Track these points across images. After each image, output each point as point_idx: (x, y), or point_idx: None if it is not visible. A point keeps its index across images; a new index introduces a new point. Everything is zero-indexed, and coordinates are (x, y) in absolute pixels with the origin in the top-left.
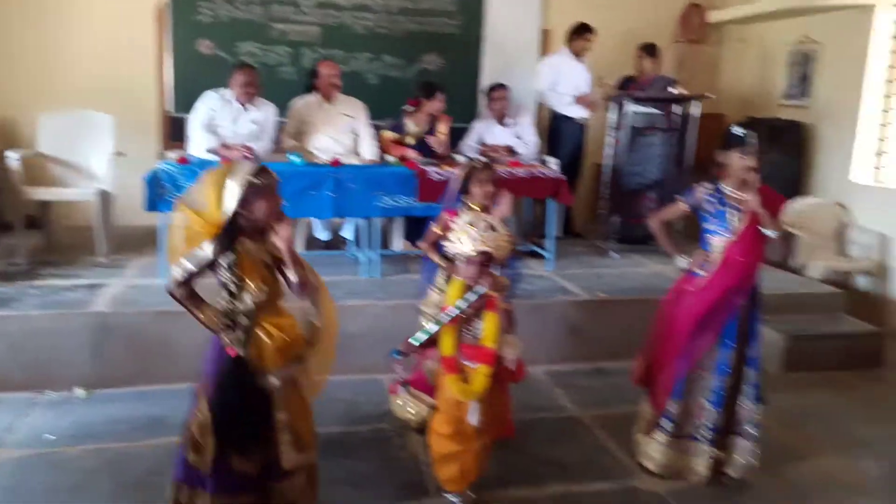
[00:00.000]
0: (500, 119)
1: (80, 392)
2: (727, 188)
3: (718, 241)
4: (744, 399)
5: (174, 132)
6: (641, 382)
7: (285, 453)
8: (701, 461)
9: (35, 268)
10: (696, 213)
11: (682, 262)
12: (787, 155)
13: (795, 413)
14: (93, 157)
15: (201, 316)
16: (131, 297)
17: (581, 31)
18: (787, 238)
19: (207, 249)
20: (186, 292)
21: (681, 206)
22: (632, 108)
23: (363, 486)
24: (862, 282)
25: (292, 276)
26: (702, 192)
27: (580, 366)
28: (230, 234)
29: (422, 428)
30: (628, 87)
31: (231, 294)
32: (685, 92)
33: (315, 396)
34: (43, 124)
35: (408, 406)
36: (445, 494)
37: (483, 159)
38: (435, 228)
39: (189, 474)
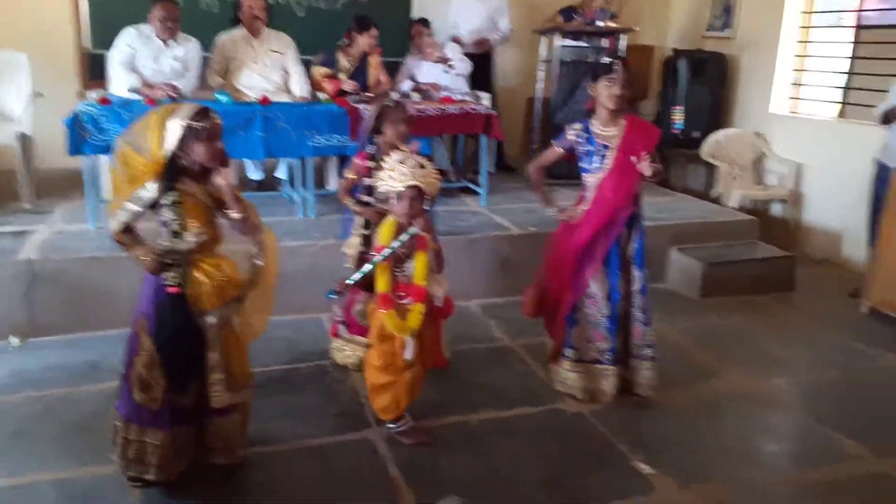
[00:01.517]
0: (428, 56)
1: (14, 340)
2: (596, 126)
3: (592, 178)
4: (636, 323)
5: (93, 70)
6: (534, 314)
7: (216, 393)
8: (607, 382)
9: None
10: (573, 154)
11: (553, 211)
12: (709, 86)
13: (711, 335)
14: (9, 99)
15: (143, 256)
16: (60, 243)
17: None
18: (660, 161)
19: (150, 189)
20: (130, 235)
21: (556, 150)
22: (561, 42)
23: (305, 420)
24: (777, 209)
25: (235, 215)
26: (572, 133)
27: (512, 298)
28: (171, 174)
29: (359, 367)
30: (570, 17)
31: (173, 233)
32: (620, 24)
33: (255, 336)
34: None
35: (344, 349)
36: (385, 424)
37: (391, 99)
38: (349, 175)
39: (137, 412)
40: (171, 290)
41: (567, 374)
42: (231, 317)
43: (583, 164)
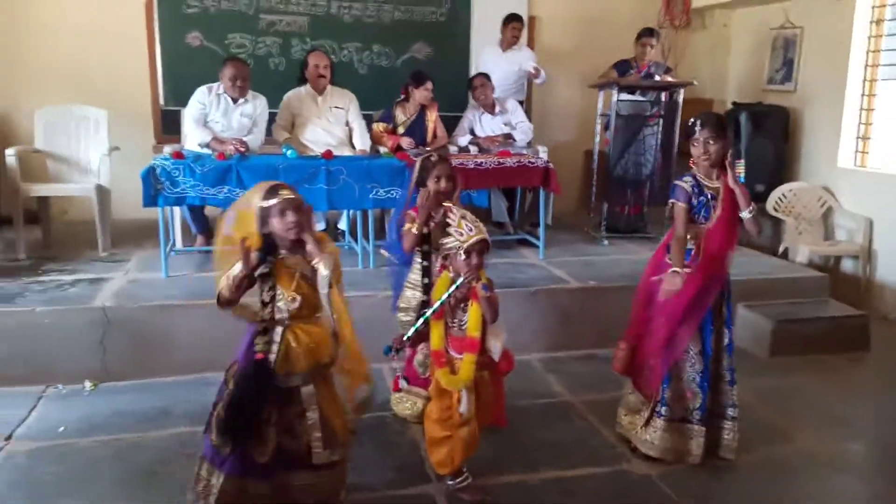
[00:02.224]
0: (489, 108)
1: (87, 385)
2: (701, 178)
3: (697, 229)
4: (723, 383)
5: (166, 126)
6: (624, 370)
7: (316, 450)
8: (695, 443)
9: (36, 263)
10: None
11: (673, 277)
12: (772, 140)
13: (780, 395)
14: (89, 152)
15: (245, 315)
16: (132, 291)
17: (507, 21)
18: (758, 217)
19: (252, 259)
20: (234, 300)
21: (682, 207)
22: (619, 96)
23: (364, 472)
24: (848, 266)
25: (319, 264)
26: (687, 185)
27: (572, 352)
28: (267, 249)
29: (419, 419)
30: (625, 70)
31: (263, 303)
32: (677, 77)
33: (356, 398)
34: (39, 120)
35: (404, 401)
36: (444, 479)
37: (435, 154)
38: (408, 225)
39: (210, 452)
40: (257, 356)
41: (658, 435)
42: (326, 376)
43: (697, 217)
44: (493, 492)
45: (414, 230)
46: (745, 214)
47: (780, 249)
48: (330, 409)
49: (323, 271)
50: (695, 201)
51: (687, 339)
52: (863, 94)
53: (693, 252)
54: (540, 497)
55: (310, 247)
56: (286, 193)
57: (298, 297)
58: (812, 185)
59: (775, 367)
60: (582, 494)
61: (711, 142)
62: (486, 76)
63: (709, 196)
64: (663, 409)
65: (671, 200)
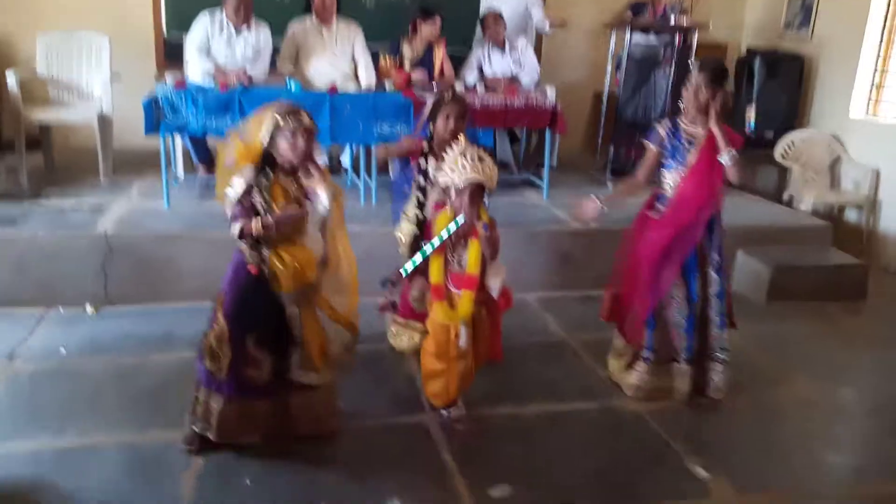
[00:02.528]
0: (499, 46)
1: (88, 309)
2: (683, 122)
3: (672, 176)
4: (712, 326)
5: (168, 54)
6: (610, 317)
7: (293, 368)
8: (682, 381)
9: (38, 188)
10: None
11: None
12: (785, 87)
13: (776, 340)
14: (91, 79)
15: (252, 226)
16: (135, 219)
17: None
18: (744, 163)
19: (246, 173)
20: (241, 209)
21: (653, 150)
22: (631, 37)
23: (360, 402)
24: (852, 216)
25: (323, 199)
26: (662, 129)
27: (570, 293)
28: (265, 163)
29: (416, 352)
30: (640, 11)
31: (256, 213)
32: (692, 20)
33: (345, 318)
34: (40, 44)
35: (402, 335)
36: (438, 410)
37: (450, 93)
38: (403, 142)
39: (207, 378)
40: (251, 268)
41: (637, 377)
42: (309, 299)
43: (665, 161)
44: (486, 423)
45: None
46: (724, 159)
47: (785, 197)
48: (310, 333)
49: (324, 200)
50: (668, 144)
51: (668, 283)
52: (880, 43)
53: (671, 197)
54: (532, 428)
55: (316, 174)
56: (305, 119)
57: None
58: (822, 133)
59: (772, 312)
60: (572, 428)
61: (703, 88)
62: (499, 14)
63: (685, 141)
64: (650, 354)
65: (644, 141)
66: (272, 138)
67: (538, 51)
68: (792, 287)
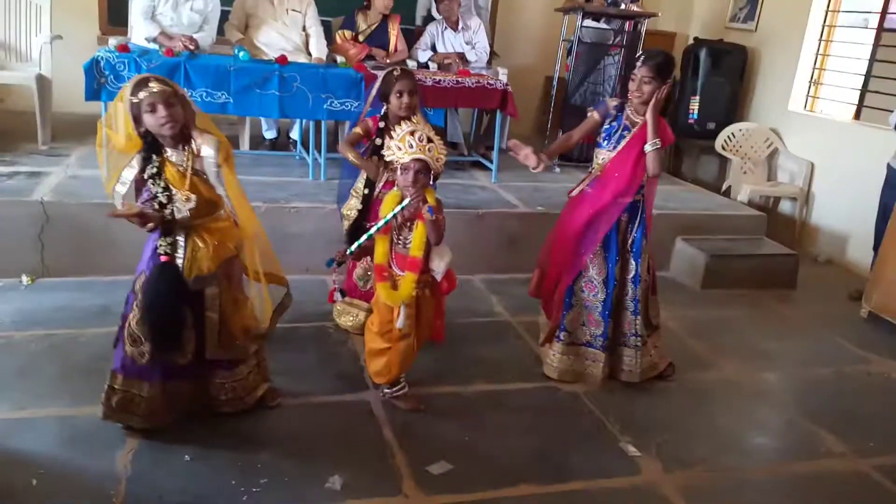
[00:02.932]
0: (453, 24)
1: (24, 279)
2: (629, 108)
3: (603, 155)
4: (626, 312)
5: (112, 16)
6: (536, 294)
7: (209, 347)
8: (595, 367)
9: None
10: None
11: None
12: (728, 78)
13: (708, 326)
14: (30, 40)
15: (150, 223)
16: (73, 187)
17: None
18: (661, 155)
19: (133, 165)
20: (146, 197)
21: (594, 117)
22: (583, 22)
23: (304, 379)
24: (786, 207)
25: (205, 149)
26: (611, 105)
27: (515, 275)
28: (149, 148)
29: (360, 331)
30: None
31: (161, 205)
32: (641, 8)
33: (282, 283)
34: None
35: (346, 314)
36: (381, 388)
37: (398, 68)
38: (356, 129)
39: (125, 364)
40: (162, 258)
41: (553, 356)
42: (230, 274)
43: (600, 140)
44: (427, 401)
45: (359, 131)
46: (647, 147)
47: (724, 187)
48: (230, 310)
49: (206, 151)
50: (607, 124)
51: (582, 263)
52: (820, 39)
53: (597, 177)
54: (472, 407)
55: (195, 135)
56: (154, 86)
57: (193, 196)
58: (761, 125)
59: (706, 299)
60: (512, 406)
61: (646, 80)
62: None
63: (623, 126)
64: (562, 334)
65: (589, 109)
66: (136, 119)
67: (491, 34)
68: (726, 275)
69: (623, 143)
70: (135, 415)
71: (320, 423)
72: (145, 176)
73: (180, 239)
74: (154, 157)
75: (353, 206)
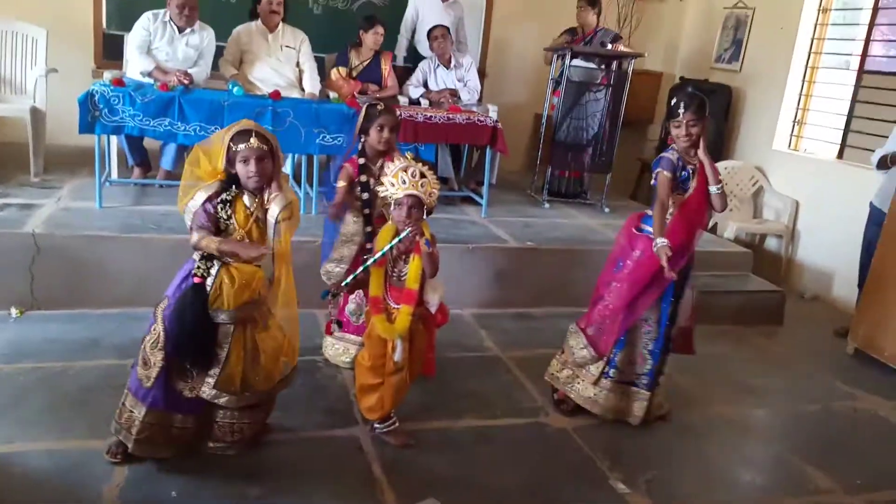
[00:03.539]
0: (445, 61)
1: (13, 311)
2: (679, 153)
3: (675, 201)
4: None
5: (108, 51)
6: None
7: (206, 385)
8: (637, 405)
9: None
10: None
11: (661, 245)
12: (713, 117)
13: (695, 362)
14: (25, 72)
15: (203, 242)
16: (65, 219)
17: None
18: (725, 193)
19: (211, 188)
20: (205, 220)
21: (664, 175)
22: (571, 62)
23: (293, 413)
24: (772, 244)
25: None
26: (672, 157)
27: (505, 310)
28: (228, 183)
29: (350, 365)
30: (571, 40)
31: (218, 230)
32: (628, 48)
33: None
34: None
35: (336, 346)
36: (372, 423)
37: (381, 103)
38: (340, 183)
39: (135, 385)
40: (195, 278)
41: (603, 395)
42: (247, 319)
43: (679, 190)
44: (417, 436)
45: (343, 184)
46: (713, 189)
47: (710, 224)
48: (238, 355)
49: (272, 211)
50: (679, 174)
51: (646, 306)
52: (804, 80)
53: (667, 224)
54: (462, 442)
55: (273, 188)
56: (254, 143)
57: (247, 239)
58: (746, 163)
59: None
60: (501, 442)
61: (692, 123)
62: (446, 28)
63: (690, 170)
64: (612, 371)
65: (657, 170)
66: (228, 161)
67: (481, 72)
68: (713, 311)
69: (690, 188)
70: (131, 437)
71: (310, 458)
72: (218, 200)
73: (214, 269)
74: (233, 187)
75: (342, 252)
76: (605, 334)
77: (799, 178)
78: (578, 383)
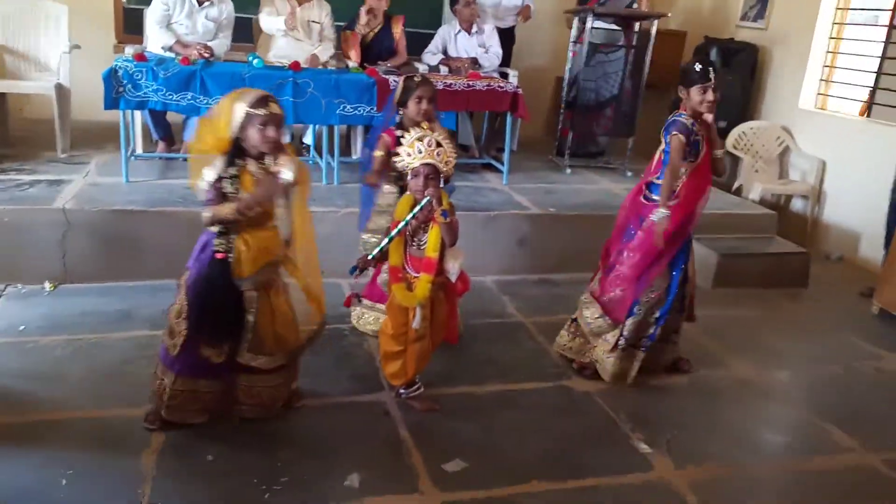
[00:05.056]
0: (468, 27)
1: (46, 286)
2: (688, 119)
3: (686, 168)
4: (674, 311)
5: (128, 25)
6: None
7: (242, 351)
8: (635, 365)
9: None
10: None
11: (663, 215)
12: (739, 77)
13: (719, 325)
14: (48, 49)
15: (222, 211)
16: (93, 194)
17: None
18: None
19: (217, 166)
20: (214, 196)
21: (679, 139)
22: (593, 23)
23: (321, 379)
24: (798, 205)
25: (286, 174)
26: (686, 121)
27: (527, 276)
28: (234, 153)
29: (377, 334)
30: (586, 1)
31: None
32: (648, 7)
33: (317, 297)
34: None
35: (366, 314)
36: (397, 389)
37: (419, 75)
38: (378, 152)
39: (164, 354)
40: (217, 255)
41: (613, 363)
42: (269, 281)
43: (690, 156)
44: (442, 401)
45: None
46: (717, 153)
47: (735, 186)
48: (266, 318)
49: (285, 174)
50: (692, 138)
51: (656, 274)
52: (830, 37)
53: (676, 191)
54: (485, 407)
55: (282, 158)
56: (275, 108)
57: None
58: (772, 124)
59: (717, 298)
60: (524, 406)
61: (715, 88)
62: None
63: (701, 136)
64: (622, 341)
65: (672, 133)
66: (242, 128)
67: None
68: (737, 274)
69: (701, 153)
70: (164, 404)
71: (338, 422)
72: (224, 175)
73: (234, 239)
74: (237, 161)
75: (378, 222)
76: (619, 303)
77: (826, 138)
78: (592, 351)
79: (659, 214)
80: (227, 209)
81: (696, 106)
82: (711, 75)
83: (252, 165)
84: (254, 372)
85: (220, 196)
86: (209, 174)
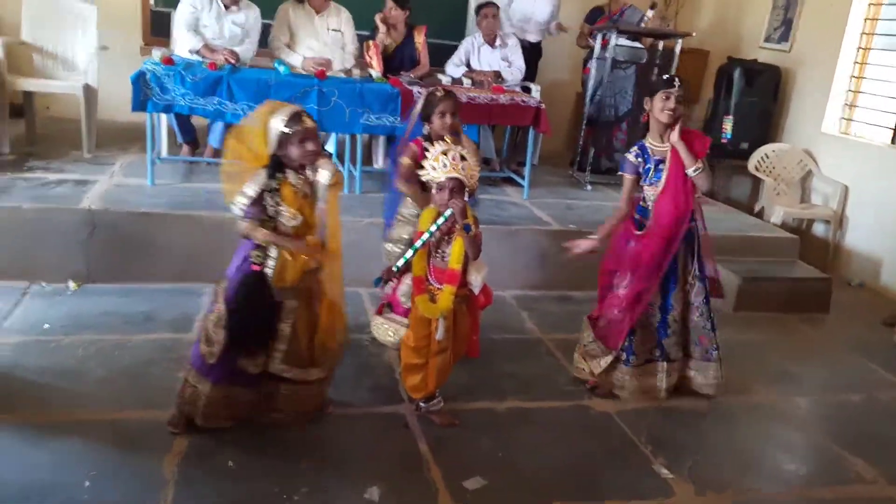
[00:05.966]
0: (491, 40)
1: (70, 285)
2: (650, 142)
3: (651, 190)
4: (702, 331)
5: (155, 28)
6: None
7: (273, 360)
8: (659, 378)
9: (20, 159)
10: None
11: (587, 244)
12: (762, 98)
13: (739, 349)
14: (76, 49)
15: (256, 235)
16: (118, 195)
17: None
18: (708, 173)
19: (257, 181)
20: (254, 210)
21: (629, 179)
22: (615, 40)
23: (341, 390)
24: (819, 229)
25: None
26: (632, 157)
27: (547, 292)
28: (274, 168)
29: (397, 346)
30: (597, 18)
31: (269, 217)
32: (659, 24)
33: (337, 303)
34: (26, 12)
35: (385, 326)
36: (417, 402)
37: (441, 89)
38: (405, 160)
39: (199, 361)
40: (253, 266)
41: (627, 381)
42: (310, 290)
43: (643, 184)
44: (461, 416)
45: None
46: (689, 172)
47: (757, 208)
48: (303, 327)
49: (322, 175)
50: (642, 170)
51: (649, 296)
52: (855, 62)
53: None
54: (505, 423)
55: (321, 162)
56: (308, 122)
57: (300, 216)
58: (794, 147)
59: (738, 321)
60: (543, 424)
61: (679, 100)
62: (497, 7)
63: (656, 161)
64: (631, 358)
65: (620, 173)
66: (280, 145)
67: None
68: (758, 297)
69: (663, 176)
70: (198, 411)
71: (357, 433)
72: (266, 190)
73: (272, 251)
74: (278, 175)
75: (400, 233)
76: (614, 328)
77: (849, 163)
78: (599, 370)
79: (587, 241)
80: (260, 234)
81: (657, 114)
82: (676, 83)
83: (292, 177)
84: (292, 383)
85: (261, 209)
86: (250, 189)
